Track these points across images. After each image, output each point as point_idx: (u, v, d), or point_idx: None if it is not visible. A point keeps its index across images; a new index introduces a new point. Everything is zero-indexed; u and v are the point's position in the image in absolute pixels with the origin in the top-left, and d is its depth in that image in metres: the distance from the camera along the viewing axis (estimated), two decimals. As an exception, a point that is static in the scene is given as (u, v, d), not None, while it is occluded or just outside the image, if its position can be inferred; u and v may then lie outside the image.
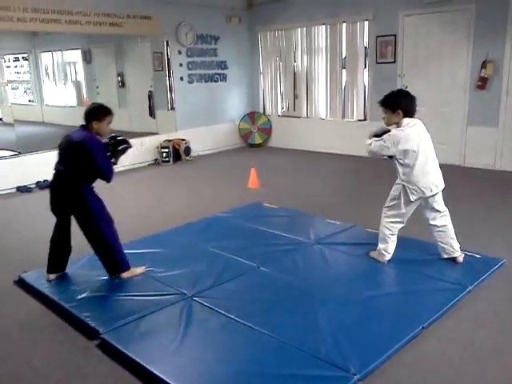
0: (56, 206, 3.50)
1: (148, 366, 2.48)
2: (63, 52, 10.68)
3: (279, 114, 9.30)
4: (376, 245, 3.75)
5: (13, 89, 10.98)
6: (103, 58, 9.90)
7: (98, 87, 10.04)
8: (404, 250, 3.92)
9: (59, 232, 3.57)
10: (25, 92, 11.36)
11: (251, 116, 9.36)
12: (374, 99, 7.79)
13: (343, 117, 8.36)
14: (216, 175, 7.19)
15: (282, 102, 9.27)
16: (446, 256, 3.63)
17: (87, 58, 10.07)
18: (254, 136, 9.35)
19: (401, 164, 3.42)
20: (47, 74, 11.14)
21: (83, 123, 3.38)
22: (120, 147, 3.43)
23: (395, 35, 7.31)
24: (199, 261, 3.82)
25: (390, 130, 3.46)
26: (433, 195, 3.48)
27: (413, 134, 3.36)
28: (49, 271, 3.56)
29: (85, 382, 2.50)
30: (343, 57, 8.15)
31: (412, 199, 3.43)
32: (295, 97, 8.95)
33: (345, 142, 8.19)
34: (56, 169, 3.43)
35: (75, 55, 10.39)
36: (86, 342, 2.82)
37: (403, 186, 3.44)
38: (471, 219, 4.72)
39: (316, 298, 3.18)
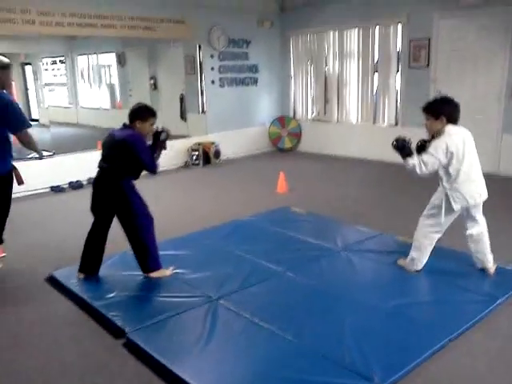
0: (97, 204, 3.59)
1: (171, 367, 2.51)
2: (98, 55, 10.92)
3: (309, 118, 9.26)
4: (405, 253, 3.69)
5: (50, 91, 11.29)
6: (136, 61, 10.09)
7: (131, 90, 10.22)
8: (433, 258, 3.84)
9: (96, 232, 3.65)
10: (61, 94, 11.65)
11: (281, 120, 9.35)
12: (406, 104, 7.70)
13: (374, 122, 8.27)
14: (245, 179, 7.22)
15: (312, 106, 9.23)
16: (479, 266, 3.54)
17: (121, 61, 10.28)
18: (284, 140, 9.34)
19: (446, 171, 3.32)
20: (82, 76, 11.41)
21: (126, 122, 3.48)
22: (161, 138, 3.56)
23: (429, 39, 7.19)
24: (226, 264, 3.84)
25: (425, 142, 3.36)
26: (475, 205, 3.40)
27: (457, 139, 3.28)
28: (80, 270, 3.64)
29: (109, 379, 2.55)
30: (375, 61, 8.07)
31: (455, 208, 3.34)
32: (326, 101, 8.90)
33: (375, 148, 8.09)
34: (99, 166, 3.52)
35: (110, 58, 10.61)
36: (112, 341, 2.87)
37: (446, 194, 3.35)
38: (505, 229, 4.59)
39: (341, 305, 3.15)
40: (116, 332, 2.92)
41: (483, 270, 3.53)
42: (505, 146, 6.71)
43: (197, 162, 7.98)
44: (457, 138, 3.28)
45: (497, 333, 2.85)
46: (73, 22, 6.64)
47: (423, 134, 7.13)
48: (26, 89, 10.80)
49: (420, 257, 3.54)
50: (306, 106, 9.29)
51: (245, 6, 8.42)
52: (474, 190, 3.37)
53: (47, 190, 6.63)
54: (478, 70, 6.81)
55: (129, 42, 9.41)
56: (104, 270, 3.76)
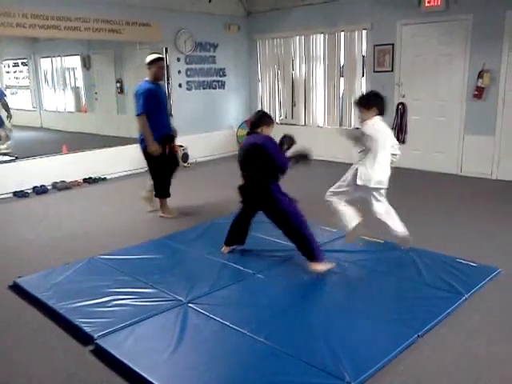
0: (247, 205, 3.92)
1: (142, 373, 2.47)
2: (62, 58, 10.70)
3: (277, 121, 9.31)
4: (371, 252, 3.76)
5: (12, 94, 10.99)
6: (102, 64, 9.93)
7: (96, 93, 10.06)
8: (399, 257, 3.93)
9: (243, 216, 3.97)
10: (24, 97, 11.36)
11: (249, 123, 9.36)
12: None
13: (341, 125, 8.39)
14: (214, 181, 7.19)
15: (280, 109, 9.29)
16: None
17: (86, 64, 10.10)
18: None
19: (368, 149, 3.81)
20: (46, 79, 11.16)
21: (249, 130, 3.93)
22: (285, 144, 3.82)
23: (393, 44, 7.36)
24: (195, 267, 3.82)
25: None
26: (376, 189, 3.88)
27: (383, 126, 3.86)
28: (226, 244, 4.05)
29: (78, 388, 2.49)
30: (341, 65, 8.20)
31: (359, 183, 3.83)
32: (293, 104, 8.98)
33: (342, 150, 8.19)
34: (244, 175, 3.82)
35: (74, 61, 10.41)
36: (80, 348, 2.80)
37: (357, 168, 3.87)
38: (467, 228, 4.73)
39: (311, 306, 3.18)
40: (84, 338, 2.85)
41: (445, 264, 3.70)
42: (466, 146, 6.92)
43: (165, 165, 7.89)
44: (383, 126, 3.86)
45: (463, 328, 2.92)
46: (35, 23, 6.47)
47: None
48: (-14, 91, 10.49)
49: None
50: (274, 110, 9.34)
51: (212, 10, 8.42)
52: (379, 176, 3.84)
53: (10, 195, 6.44)
54: (439, 73, 7.01)
55: (94, 45, 9.26)
56: (70, 276, 3.69)
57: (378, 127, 3.82)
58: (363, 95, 4.04)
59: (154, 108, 4.90)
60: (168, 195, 5.36)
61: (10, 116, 7.77)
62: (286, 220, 3.65)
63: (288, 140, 3.80)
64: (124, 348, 2.71)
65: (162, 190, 5.30)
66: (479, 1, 6.43)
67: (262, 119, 3.87)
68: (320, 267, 3.61)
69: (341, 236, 4.42)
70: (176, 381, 2.47)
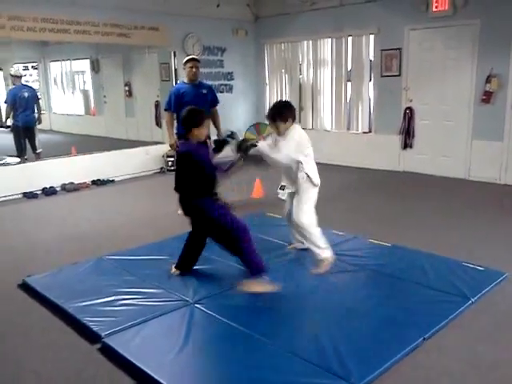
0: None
1: (149, 371, 2.49)
2: (72, 61, 10.78)
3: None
4: (378, 255, 3.75)
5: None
6: (111, 67, 10.01)
7: (105, 96, 10.13)
8: (406, 260, 3.93)
9: (193, 237, 3.69)
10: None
11: (257, 127, 9.39)
12: (379, 111, 7.87)
13: (348, 129, 8.41)
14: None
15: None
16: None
17: (95, 68, 10.17)
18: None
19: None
20: (56, 82, 11.25)
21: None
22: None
23: (400, 49, 7.37)
24: (202, 268, 3.83)
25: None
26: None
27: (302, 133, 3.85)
28: (176, 267, 3.73)
29: (85, 386, 2.51)
30: (348, 70, 8.22)
31: (318, 182, 3.81)
32: (300, 109, 9.00)
33: (349, 154, 8.22)
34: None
35: (84, 65, 10.49)
36: (87, 346, 2.83)
37: (306, 173, 3.73)
38: (475, 232, 4.71)
39: (317, 307, 3.19)
40: (91, 337, 2.88)
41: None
42: (474, 151, 6.90)
43: (172, 168, 7.94)
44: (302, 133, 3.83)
45: (469, 332, 2.92)
46: (45, 27, 6.56)
47: (396, 141, 7.27)
48: (-3, 94, 10.59)
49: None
50: (281, 114, 9.36)
51: (220, 15, 8.47)
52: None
53: (20, 196, 6.50)
54: (447, 78, 7.01)
55: (103, 49, 9.33)
56: (79, 275, 3.73)
57: (301, 132, 3.82)
58: (275, 108, 3.81)
59: (178, 106, 5.10)
60: None
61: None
62: (221, 232, 3.38)
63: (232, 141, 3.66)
64: (131, 347, 2.73)
65: None
66: (487, 6, 6.43)
67: (189, 122, 3.44)
68: (254, 287, 3.30)
69: (347, 240, 4.44)
70: (181, 380, 2.49)
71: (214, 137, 5.64)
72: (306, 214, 3.72)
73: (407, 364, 2.59)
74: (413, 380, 2.49)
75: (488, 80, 6.54)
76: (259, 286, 3.32)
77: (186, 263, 3.73)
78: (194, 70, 5.24)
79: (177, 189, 3.51)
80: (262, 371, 2.50)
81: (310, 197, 3.76)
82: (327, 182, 7.10)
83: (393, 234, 4.58)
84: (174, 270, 3.72)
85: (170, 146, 5.47)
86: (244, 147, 3.61)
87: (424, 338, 2.78)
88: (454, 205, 5.71)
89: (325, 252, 3.70)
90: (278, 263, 3.89)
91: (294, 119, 3.77)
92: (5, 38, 6.41)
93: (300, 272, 3.75)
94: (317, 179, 3.79)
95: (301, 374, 2.47)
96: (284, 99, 3.84)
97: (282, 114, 3.72)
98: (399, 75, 7.46)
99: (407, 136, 7.50)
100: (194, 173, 3.36)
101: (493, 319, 3.06)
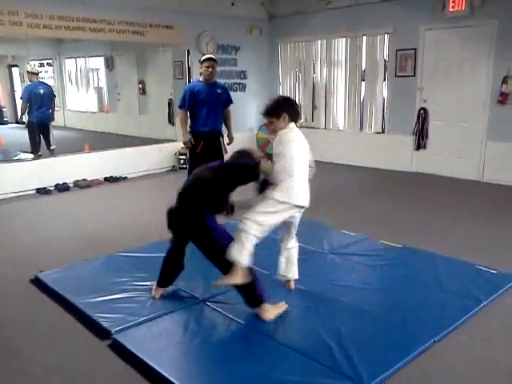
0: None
1: (158, 368, 2.50)
2: (86, 59, 10.87)
3: (297, 124, 9.30)
4: (392, 256, 3.71)
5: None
6: (125, 65, 10.07)
7: (119, 94, 10.20)
8: (417, 262, 3.90)
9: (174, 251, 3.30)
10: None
11: (269, 126, 9.38)
12: (393, 112, 7.81)
13: (361, 129, 8.36)
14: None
15: (300, 112, 9.28)
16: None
17: (110, 66, 10.24)
18: (272, 146, 9.35)
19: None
20: (70, 79, 11.35)
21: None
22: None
23: (415, 49, 7.31)
24: (212, 265, 3.83)
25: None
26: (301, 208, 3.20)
27: (297, 143, 3.22)
28: (159, 285, 3.34)
29: (94, 381, 2.53)
30: (363, 69, 8.17)
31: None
32: (314, 108, 8.98)
33: (362, 154, 8.18)
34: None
35: (98, 62, 10.57)
36: (97, 342, 2.85)
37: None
38: (488, 235, 4.66)
39: (327, 307, 3.17)
40: (101, 333, 2.90)
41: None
42: (489, 153, 6.82)
43: (184, 166, 7.96)
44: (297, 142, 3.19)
45: (481, 335, 2.88)
46: (61, 24, 6.61)
47: (409, 141, 7.22)
48: (13, 91, 10.72)
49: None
50: (294, 113, 9.34)
51: (234, 13, 8.47)
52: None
53: (33, 191, 6.57)
54: (462, 79, 6.93)
55: (117, 47, 9.39)
56: (90, 271, 3.75)
57: (294, 135, 3.21)
58: (270, 102, 3.28)
59: (192, 104, 5.19)
60: None
61: None
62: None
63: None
64: (140, 343, 2.74)
65: None
66: (504, 6, 6.35)
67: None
68: (266, 314, 2.99)
69: (358, 240, 4.41)
70: (190, 377, 2.50)
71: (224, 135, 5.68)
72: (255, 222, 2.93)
73: (417, 366, 2.56)
74: (423, 382, 2.46)
75: (504, 81, 6.45)
76: (271, 311, 3.01)
77: (170, 277, 3.32)
78: (210, 69, 5.22)
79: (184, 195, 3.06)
80: (270, 370, 2.49)
81: (270, 211, 2.99)
82: (339, 182, 7.11)
83: (404, 236, 4.54)
84: (155, 291, 3.31)
85: (184, 143, 5.45)
86: (264, 187, 3.15)
87: (435, 341, 2.76)
88: (466, 207, 5.65)
89: (245, 259, 2.90)
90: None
91: (292, 118, 3.20)
92: (21, 35, 6.48)
93: (310, 272, 3.73)
94: (296, 199, 3.05)
95: (309, 373, 2.46)
96: (286, 95, 3.12)
97: (277, 107, 3.19)
98: (414, 75, 7.40)
99: (421, 137, 7.44)
100: (223, 186, 3.04)
101: (505, 322, 3.03)
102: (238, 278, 2.91)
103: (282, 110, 3.17)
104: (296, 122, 3.24)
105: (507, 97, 6.48)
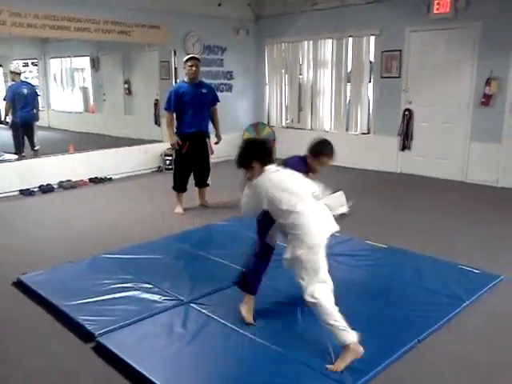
0: None
1: (142, 371, 2.48)
2: (72, 59, 10.79)
3: (283, 125, 9.34)
4: (376, 256, 3.73)
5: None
6: (111, 65, 10.00)
7: (104, 94, 10.13)
8: (402, 262, 3.93)
9: None
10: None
11: (255, 127, 9.39)
12: (378, 113, 7.86)
13: (347, 130, 8.40)
14: (219, 184, 7.20)
15: (286, 113, 9.32)
16: None
17: (95, 65, 10.17)
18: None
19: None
20: (55, 79, 11.25)
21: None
22: None
23: (401, 50, 7.37)
24: (198, 267, 3.83)
25: None
26: None
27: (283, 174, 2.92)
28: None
29: (78, 384, 2.51)
30: (348, 71, 8.22)
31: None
32: (300, 109, 9.00)
33: (347, 155, 8.20)
34: None
35: (83, 62, 10.50)
36: (81, 345, 2.82)
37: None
38: (470, 235, 4.71)
39: (310, 308, 3.18)
40: (85, 336, 2.87)
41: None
42: (472, 153, 6.90)
43: (170, 166, 7.93)
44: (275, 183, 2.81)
45: (463, 334, 2.92)
46: (45, 23, 6.54)
47: (394, 142, 7.25)
48: (-4, 91, 10.55)
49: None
50: (281, 113, 9.37)
51: (221, 14, 8.46)
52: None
53: (16, 193, 6.49)
54: (447, 80, 7.00)
55: (103, 46, 9.33)
56: (74, 274, 3.71)
57: (266, 178, 2.78)
58: (238, 151, 2.91)
59: (178, 106, 5.22)
60: (183, 190, 5.56)
61: None
62: None
63: None
64: (125, 346, 2.73)
65: (176, 183, 5.52)
66: (488, 9, 6.43)
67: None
68: (242, 305, 3.03)
69: (343, 241, 4.43)
70: (175, 379, 2.48)
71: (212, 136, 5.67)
72: (316, 286, 2.71)
73: (401, 366, 2.58)
74: (407, 382, 2.48)
75: (488, 82, 6.54)
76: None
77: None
78: (194, 68, 5.22)
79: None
80: (256, 372, 2.49)
81: (313, 267, 2.72)
82: (325, 183, 7.12)
83: (389, 236, 4.57)
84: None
85: (171, 145, 5.45)
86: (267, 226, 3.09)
87: (418, 340, 2.78)
88: (450, 207, 5.71)
89: (351, 335, 2.55)
90: (273, 264, 3.88)
91: (264, 162, 2.82)
92: (5, 35, 6.40)
93: (291, 272, 3.73)
94: (312, 238, 2.70)
95: (295, 375, 2.46)
96: (252, 138, 2.69)
97: (245, 157, 2.86)
98: (399, 77, 7.46)
99: (405, 137, 7.50)
100: None
101: (487, 322, 3.06)
102: (351, 354, 2.54)
103: (250, 159, 2.82)
104: (271, 163, 2.86)
105: (490, 98, 6.56)
